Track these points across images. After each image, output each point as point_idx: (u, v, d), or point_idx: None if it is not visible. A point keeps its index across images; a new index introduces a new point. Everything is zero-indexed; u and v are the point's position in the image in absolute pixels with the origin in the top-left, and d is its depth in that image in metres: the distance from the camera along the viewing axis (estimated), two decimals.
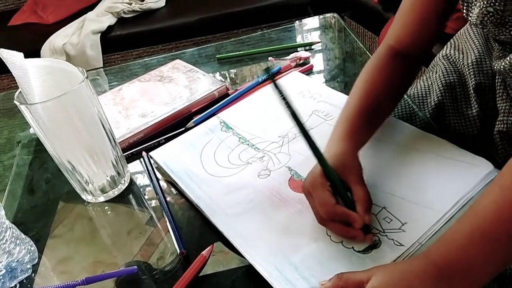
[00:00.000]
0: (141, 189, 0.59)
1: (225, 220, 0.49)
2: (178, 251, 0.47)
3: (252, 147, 0.59)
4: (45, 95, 0.49)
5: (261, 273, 0.43)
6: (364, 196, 0.44)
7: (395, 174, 0.50)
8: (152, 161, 0.60)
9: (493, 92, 0.59)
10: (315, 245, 0.44)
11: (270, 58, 0.83)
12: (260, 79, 0.75)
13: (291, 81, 0.71)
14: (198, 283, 0.45)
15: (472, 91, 0.61)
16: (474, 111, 0.61)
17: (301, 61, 0.79)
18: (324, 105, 0.64)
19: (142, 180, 0.60)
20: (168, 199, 0.55)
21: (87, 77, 0.49)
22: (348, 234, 0.44)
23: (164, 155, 0.60)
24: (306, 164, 0.49)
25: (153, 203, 0.56)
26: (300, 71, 0.75)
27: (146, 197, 0.58)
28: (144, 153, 0.62)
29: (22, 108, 0.47)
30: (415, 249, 0.43)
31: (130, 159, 0.63)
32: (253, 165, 0.56)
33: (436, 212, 0.45)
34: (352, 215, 0.43)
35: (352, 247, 0.44)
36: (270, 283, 0.42)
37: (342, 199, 0.45)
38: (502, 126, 0.56)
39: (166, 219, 0.51)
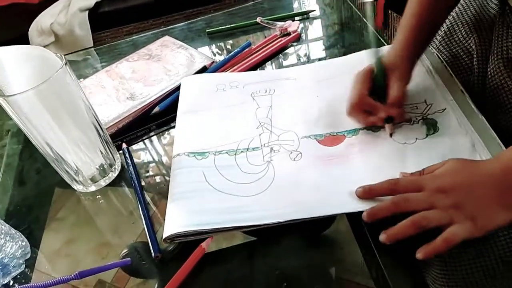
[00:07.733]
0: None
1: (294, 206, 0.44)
2: (153, 255, 0.44)
3: (247, 151, 0.52)
4: (24, 85, 0.46)
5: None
6: (397, 92, 0.48)
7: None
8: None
9: None
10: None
11: (258, 18, 0.80)
12: (238, 49, 0.73)
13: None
14: (198, 266, 0.43)
15: None
16: None
17: (288, 32, 0.77)
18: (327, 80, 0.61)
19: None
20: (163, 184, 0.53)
21: (66, 63, 0.46)
22: (368, 120, 0.50)
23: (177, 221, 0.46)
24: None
25: (148, 187, 0.54)
26: (286, 41, 0.74)
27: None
28: (124, 146, 0.58)
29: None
30: None
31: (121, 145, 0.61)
32: (274, 160, 0.50)
33: None
34: (377, 105, 0.49)
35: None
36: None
37: (378, 94, 0.50)
38: None
39: (143, 221, 0.48)
